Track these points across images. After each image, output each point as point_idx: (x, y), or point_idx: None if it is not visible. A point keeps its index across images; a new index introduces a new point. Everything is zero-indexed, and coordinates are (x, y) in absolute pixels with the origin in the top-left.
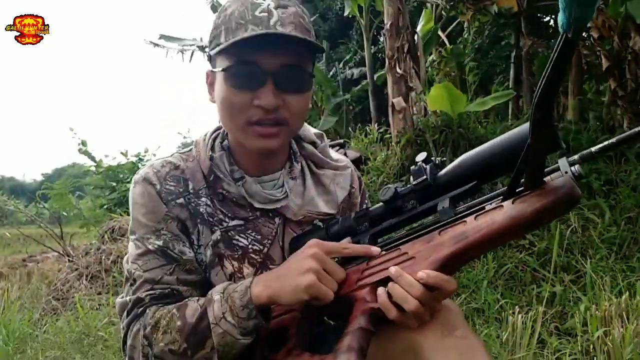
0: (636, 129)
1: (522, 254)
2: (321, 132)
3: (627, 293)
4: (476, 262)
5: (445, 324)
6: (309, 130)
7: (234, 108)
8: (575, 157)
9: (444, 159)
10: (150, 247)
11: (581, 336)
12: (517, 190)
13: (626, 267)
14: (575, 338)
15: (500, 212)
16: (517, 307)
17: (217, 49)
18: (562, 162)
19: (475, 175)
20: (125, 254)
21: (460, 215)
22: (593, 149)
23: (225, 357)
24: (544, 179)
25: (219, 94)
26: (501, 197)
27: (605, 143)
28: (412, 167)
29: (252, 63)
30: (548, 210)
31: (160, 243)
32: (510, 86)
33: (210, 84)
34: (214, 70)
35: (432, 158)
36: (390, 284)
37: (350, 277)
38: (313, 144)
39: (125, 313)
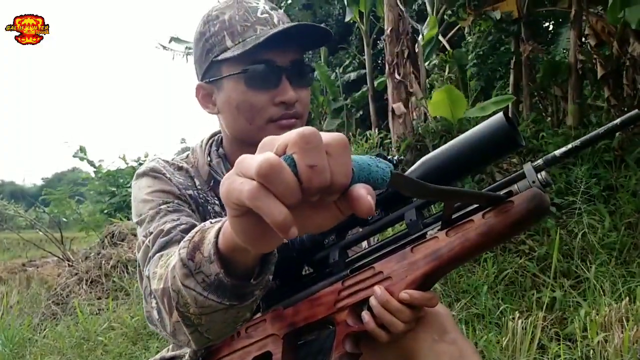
0: (598, 130)
1: (522, 259)
2: None
3: (627, 298)
4: (476, 267)
5: (436, 328)
6: None
7: (255, 109)
8: (540, 161)
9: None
10: (162, 207)
11: (581, 341)
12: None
13: (626, 273)
14: (575, 343)
15: (472, 228)
16: (517, 312)
17: (234, 52)
18: (528, 169)
19: (439, 177)
20: (126, 259)
21: (430, 229)
22: (557, 152)
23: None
24: (511, 188)
25: (233, 98)
26: (465, 208)
27: (569, 146)
28: None
29: (268, 62)
30: (519, 224)
31: (172, 209)
32: (510, 91)
33: (205, 97)
34: (211, 79)
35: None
36: (376, 309)
37: (326, 298)
38: None
39: (146, 255)
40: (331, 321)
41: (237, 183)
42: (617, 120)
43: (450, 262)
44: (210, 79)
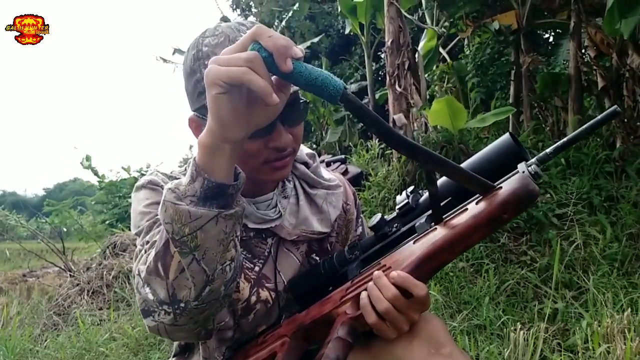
0: (583, 127)
1: (523, 270)
2: (313, 152)
3: (629, 309)
4: (478, 279)
5: (433, 341)
6: (302, 151)
7: (248, 154)
8: (533, 160)
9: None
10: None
11: (583, 353)
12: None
13: (628, 284)
14: (577, 355)
15: (465, 214)
16: (518, 323)
17: None
18: (521, 166)
19: (452, 195)
20: (127, 270)
21: (433, 224)
22: (548, 150)
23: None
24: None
25: None
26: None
27: (558, 144)
28: (397, 197)
29: None
30: (506, 204)
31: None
32: (510, 102)
33: (198, 128)
34: (203, 117)
35: (420, 191)
36: (369, 287)
37: (335, 297)
38: (305, 164)
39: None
40: (334, 316)
41: (225, 68)
42: (599, 117)
43: (445, 247)
44: (204, 116)
